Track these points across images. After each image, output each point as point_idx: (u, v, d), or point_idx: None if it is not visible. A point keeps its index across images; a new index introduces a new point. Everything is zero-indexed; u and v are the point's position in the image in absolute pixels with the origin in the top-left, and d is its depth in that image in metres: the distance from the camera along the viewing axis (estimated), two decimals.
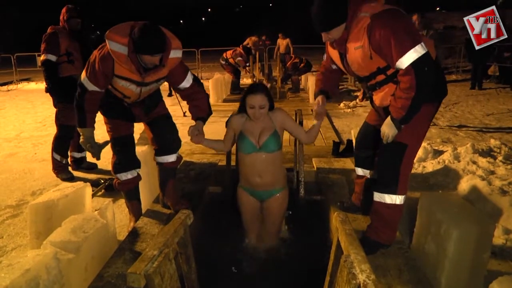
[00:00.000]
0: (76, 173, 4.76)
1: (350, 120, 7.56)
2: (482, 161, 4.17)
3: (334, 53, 2.58)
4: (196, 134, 2.73)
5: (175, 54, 2.69)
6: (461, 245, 2.15)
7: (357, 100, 9.25)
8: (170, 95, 10.37)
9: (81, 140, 2.86)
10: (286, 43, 13.35)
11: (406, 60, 2.09)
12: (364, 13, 2.22)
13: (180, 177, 3.88)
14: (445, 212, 2.28)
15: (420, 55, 2.08)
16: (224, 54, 10.62)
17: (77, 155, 4.85)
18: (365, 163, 2.93)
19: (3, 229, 3.47)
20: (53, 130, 5.00)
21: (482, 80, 11.62)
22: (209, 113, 3.01)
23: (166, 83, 3.07)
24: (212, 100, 9.78)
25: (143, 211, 3.25)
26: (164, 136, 3.14)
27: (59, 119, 4.49)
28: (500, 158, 4.29)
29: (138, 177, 3.21)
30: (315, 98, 2.77)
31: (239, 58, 10.32)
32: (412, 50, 2.08)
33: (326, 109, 2.72)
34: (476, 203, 3.32)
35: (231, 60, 10.41)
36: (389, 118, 2.31)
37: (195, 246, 2.05)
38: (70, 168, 4.75)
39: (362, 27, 2.20)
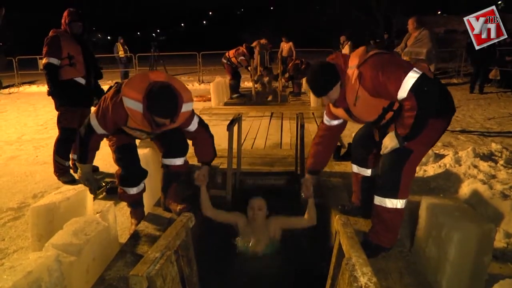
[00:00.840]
0: (78, 176, 4.76)
1: (351, 123, 7.54)
2: (483, 165, 4.17)
3: (339, 111, 2.67)
4: (202, 179, 3.05)
5: (186, 108, 2.74)
6: (462, 249, 2.15)
7: None
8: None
9: (78, 175, 2.94)
10: (288, 47, 13.40)
11: (405, 88, 2.18)
12: (351, 67, 2.38)
13: (181, 180, 3.88)
14: (446, 216, 2.28)
15: (415, 78, 2.16)
16: (227, 53, 10.54)
17: None
18: (361, 161, 2.98)
19: (5, 231, 3.47)
20: (54, 133, 5.01)
21: (484, 84, 11.62)
22: (214, 155, 3.18)
23: None
24: (213, 104, 9.77)
25: (145, 213, 3.25)
26: (172, 139, 3.14)
27: (61, 122, 4.50)
28: (501, 162, 4.29)
29: (143, 190, 3.25)
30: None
31: (242, 58, 10.27)
32: (406, 78, 2.17)
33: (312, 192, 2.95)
34: (477, 207, 3.32)
35: (233, 60, 10.37)
36: (393, 132, 2.37)
37: (196, 249, 2.06)
38: (71, 171, 4.76)
39: (354, 79, 2.34)
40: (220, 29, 48.59)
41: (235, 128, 3.84)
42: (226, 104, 10.21)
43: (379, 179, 2.60)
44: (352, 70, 2.36)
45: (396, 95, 2.21)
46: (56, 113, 4.57)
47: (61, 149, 4.56)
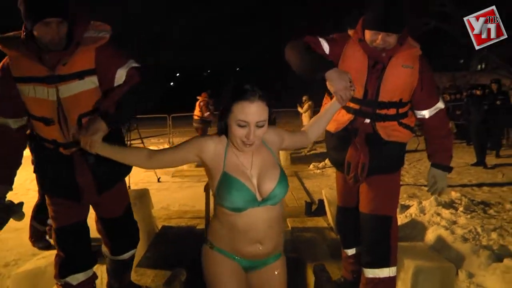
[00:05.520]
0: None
1: (320, 180, 7.77)
2: (445, 213, 4.41)
3: (358, 60, 2.17)
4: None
5: (100, 33, 1.99)
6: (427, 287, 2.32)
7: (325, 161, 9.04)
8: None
9: None
10: None
11: (440, 104, 2.27)
12: (414, 43, 2.20)
13: (158, 241, 3.90)
14: (411, 259, 2.47)
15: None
16: (195, 116, 10.26)
17: None
18: (355, 243, 2.67)
19: None
20: (25, 198, 4.87)
21: None
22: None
23: None
24: (185, 166, 9.73)
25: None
26: (120, 231, 2.50)
27: None
28: (461, 208, 4.58)
29: (94, 276, 2.47)
30: (324, 72, 1.91)
31: (208, 113, 9.85)
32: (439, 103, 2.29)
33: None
34: (441, 251, 3.50)
35: (206, 116, 9.89)
36: (439, 171, 2.35)
37: None
38: (47, 237, 4.68)
39: (415, 54, 2.16)
40: (188, 91, 49.04)
41: None
42: (198, 166, 10.20)
43: (367, 253, 2.43)
44: (415, 47, 2.16)
45: (433, 105, 2.24)
46: (27, 176, 4.45)
47: (39, 214, 4.48)
